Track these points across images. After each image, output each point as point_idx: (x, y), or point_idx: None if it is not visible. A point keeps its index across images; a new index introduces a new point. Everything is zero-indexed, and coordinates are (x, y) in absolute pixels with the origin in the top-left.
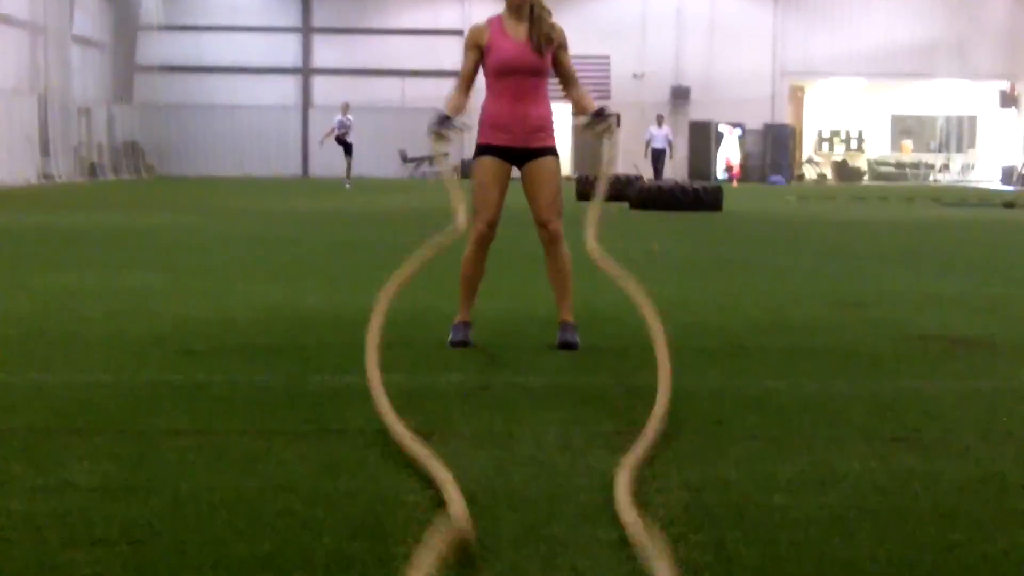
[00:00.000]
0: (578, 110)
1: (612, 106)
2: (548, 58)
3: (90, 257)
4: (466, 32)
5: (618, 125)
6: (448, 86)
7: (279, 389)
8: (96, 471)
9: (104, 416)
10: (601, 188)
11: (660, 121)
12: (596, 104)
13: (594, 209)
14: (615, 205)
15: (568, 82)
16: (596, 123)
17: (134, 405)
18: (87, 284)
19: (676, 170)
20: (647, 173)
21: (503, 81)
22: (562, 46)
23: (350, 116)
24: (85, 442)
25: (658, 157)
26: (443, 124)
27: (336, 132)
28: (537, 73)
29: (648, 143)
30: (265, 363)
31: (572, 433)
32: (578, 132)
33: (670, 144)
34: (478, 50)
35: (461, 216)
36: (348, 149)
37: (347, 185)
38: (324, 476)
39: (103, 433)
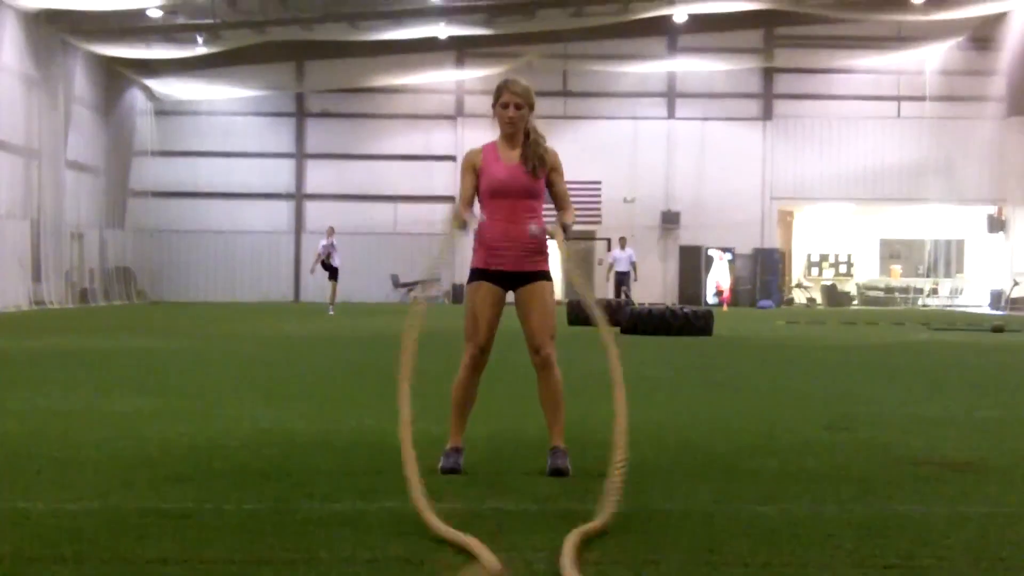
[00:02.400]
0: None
1: (603, 231)
2: (542, 180)
3: (79, 381)
4: (460, 157)
5: (608, 249)
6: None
7: (267, 516)
8: None
9: (90, 544)
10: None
11: (623, 243)
12: (572, 223)
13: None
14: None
15: (561, 205)
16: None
17: (121, 532)
18: (76, 408)
19: (667, 294)
20: (636, 299)
21: (496, 202)
22: (555, 169)
23: (335, 240)
24: (71, 571)
25: (622, 280)
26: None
27: (321, 256)
28: (530, 195)
29: (611, 266)
30: (254, 489)
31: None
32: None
33: (634, 266)
34: (474, 173)
35: (430, 287)
36: (334, 274)
37: (331, 311)
38: None
39: (89, 562)
